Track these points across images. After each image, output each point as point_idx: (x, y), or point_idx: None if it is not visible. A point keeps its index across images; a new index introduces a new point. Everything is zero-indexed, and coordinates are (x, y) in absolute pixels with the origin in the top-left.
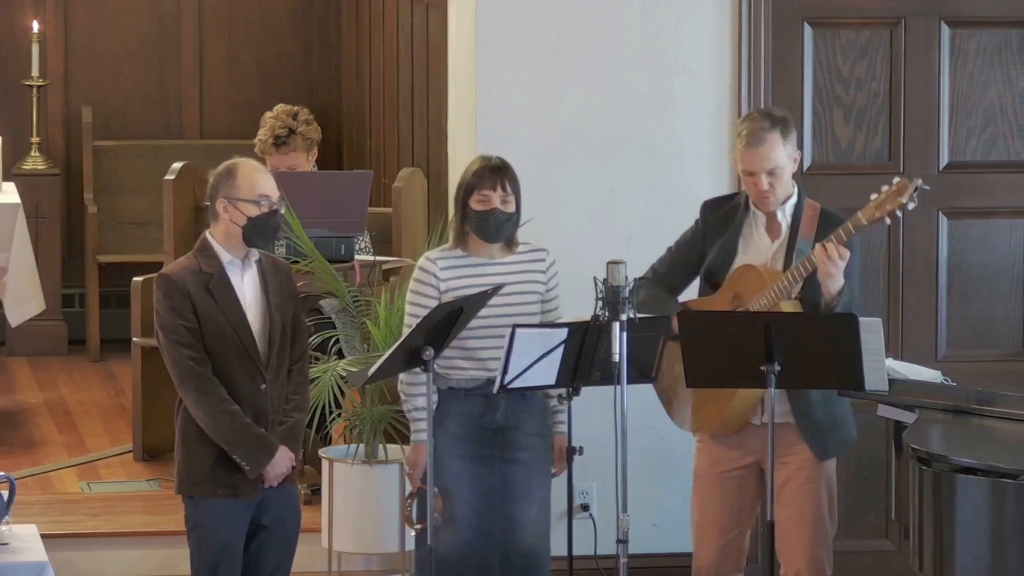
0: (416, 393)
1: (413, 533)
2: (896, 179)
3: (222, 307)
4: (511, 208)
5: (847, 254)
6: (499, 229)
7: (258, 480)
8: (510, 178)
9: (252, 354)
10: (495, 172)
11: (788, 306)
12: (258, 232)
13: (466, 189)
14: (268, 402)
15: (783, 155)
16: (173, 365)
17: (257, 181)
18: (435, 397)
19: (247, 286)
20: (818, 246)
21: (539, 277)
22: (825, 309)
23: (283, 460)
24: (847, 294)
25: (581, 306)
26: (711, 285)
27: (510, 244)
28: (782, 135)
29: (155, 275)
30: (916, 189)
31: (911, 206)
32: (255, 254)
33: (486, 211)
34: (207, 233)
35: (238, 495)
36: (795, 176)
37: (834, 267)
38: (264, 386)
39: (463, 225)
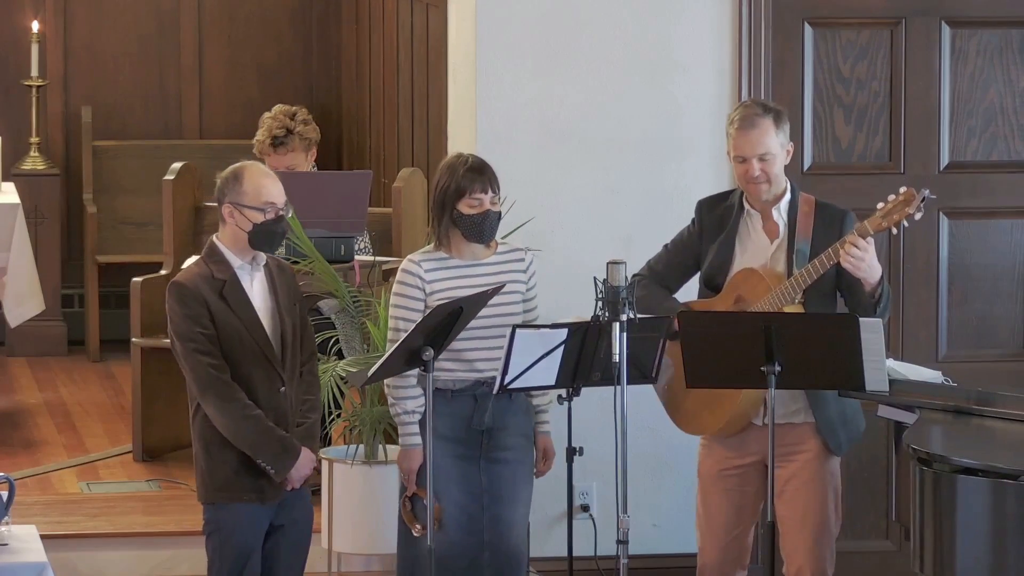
0: (405, 396)
1: (416, 534)
2: (903, 189)
3: (236, 312)
4: (499, 206)
5: (865, 244)
6: (493, 229)
7: (281, 483)
8: (493, 175)
9: (270, 357)
10: (481, 173)
11: (791, 311)
12: (263, 238)
13: (455, 193)
14: (287, 404)
15: (775, 142)
16: (192, 373)
17: (263, 187)
18: (423, 400)
19: (256, 289)
20: (841, 252)
21: (520, 277)
22: (870, 300)
23: (306, 462)
24: (885, 281)
25: (581, 306)
26: (711, 288)
27: (490, 244)
28: (775, 123)
29: (150, 276)
30: (923, 199)
31: (918, 216)
32: (262, 257)
33: (480, 214)
34: (215, 237)
35: (264, 500)
36: (795, 175)
37: (861, 262)
38: (283, 388)
39: (451, 228)
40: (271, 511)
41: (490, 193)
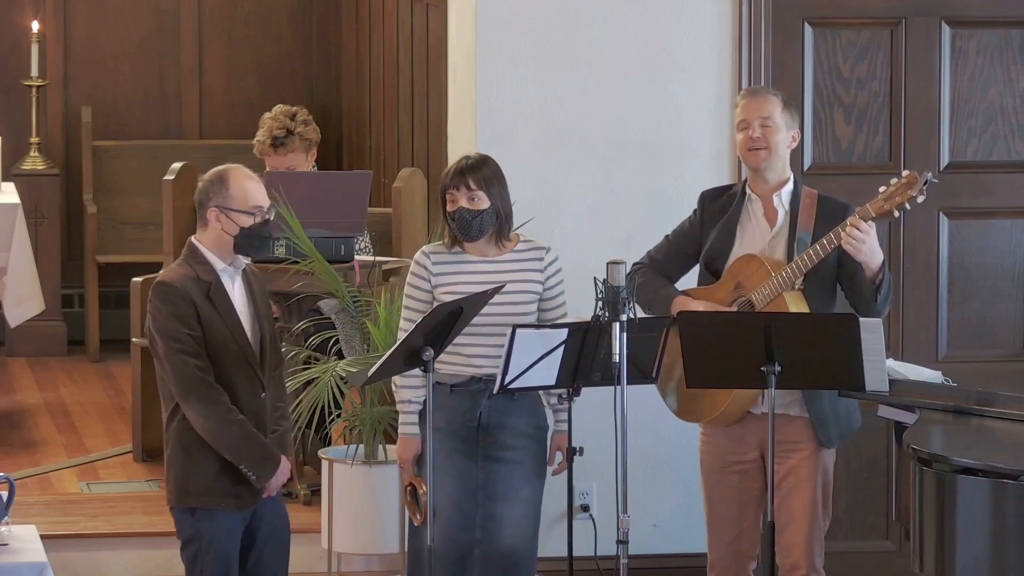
0: (406, 385)
1: (416, 523)
2: (905, 172)
3: (222, 315)
4: (481, 205)
5: (867, 227)
6: (469, 227)
7: (259, 490)
8: (479, 176)
9: (252, 362)
10: (460, 173)
11: (791, 297)
12: (250, 242)
13: (441, 191)
14: (266, 410)
15: (779, 115)
16: (176, 374)
17: (250, 191)
18: (423, 392)
19: (237, 294)
20: (843, 235)
21: (535, 276)
22: (871, 286)
23: (284, 470)
24: (887, 268)
25: (581, 306)
26: (711, 272)
27: (504, 241)
28: (782, 102)
29: (149, 276)
30: (926, 182)
31: (920, 199)
32: (241, 262)
33: (453, 211)
34: (194, 239)
35: (242, 507)
36: (795, 175)
37: (862, 244)
38: (264, 394)
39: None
40: (246, 518)
41: (464, 190)
